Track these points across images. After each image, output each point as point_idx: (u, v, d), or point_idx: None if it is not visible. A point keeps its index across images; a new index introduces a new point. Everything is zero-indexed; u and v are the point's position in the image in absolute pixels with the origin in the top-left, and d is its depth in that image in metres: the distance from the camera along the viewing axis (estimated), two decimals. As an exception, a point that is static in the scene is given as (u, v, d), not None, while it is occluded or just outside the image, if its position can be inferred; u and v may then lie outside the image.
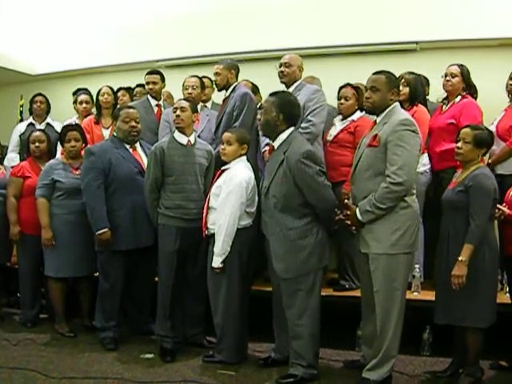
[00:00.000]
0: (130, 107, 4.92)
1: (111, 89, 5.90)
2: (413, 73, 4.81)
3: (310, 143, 4.27)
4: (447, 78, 4.78)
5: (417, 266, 4.61)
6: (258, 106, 4.77)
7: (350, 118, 4.89)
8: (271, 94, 4.04)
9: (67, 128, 5.24)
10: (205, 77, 5.59)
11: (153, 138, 5.12)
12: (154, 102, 5.51)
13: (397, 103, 3.79)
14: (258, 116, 4.04)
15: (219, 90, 5.02)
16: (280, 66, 4.74)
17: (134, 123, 4.70)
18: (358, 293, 4.20)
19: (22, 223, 5.21)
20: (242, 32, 6.32)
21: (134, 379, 4.05)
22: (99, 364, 4.35)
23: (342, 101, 4.92)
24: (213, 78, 5.02)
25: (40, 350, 4.69)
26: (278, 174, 3.88)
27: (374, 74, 3.82)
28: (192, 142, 4.51)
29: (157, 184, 4.44)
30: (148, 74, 5.56)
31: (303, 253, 3.85)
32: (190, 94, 5.13)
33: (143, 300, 4.96)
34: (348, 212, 3.82)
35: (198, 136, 4.81)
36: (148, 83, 5.51)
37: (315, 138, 4.57)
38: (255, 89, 5.54)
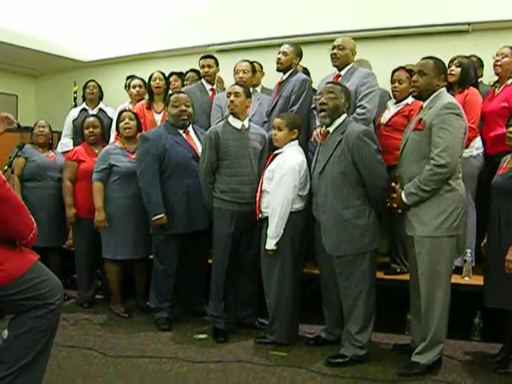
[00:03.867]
0: (180, 92, 4.98)
1: (163, 74, 5.94)
2: (467, 57, 4.77)
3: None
4: (497, 59, 4.71)
5: (468, 250, 4.58)
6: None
7: (404, 102, 4.85)
8: (333, 83, 4.15)
9: (122, 111, 5.35)
10: (255, 62, 5.61)
11: (208, 121, 5.17)
12: (208, 86, 5.51)
13: (443, 89, 3.80)
14: (323, 99, 4.01)
15: (279, 71, 4.93)
16: (333, 49, 4.70)
17: (183, 107, 4.75)
18: (408, 276, 4.20)
19: (78, 207, 5.33)
20: (292, 16, 6.30)
21: (189, 359, 4.11)
22: (154, 344, 4.44)
23: (396, 84, 4.89)
24: (278, 56, 4.89)
25: (97, 329, 4.81)
26: (335, 153, 3.94)
27: (423, 58, 3.84)
28: (246, 127, 4.54)
29: (212, 168, 4.47)
30: (202, 58, 5.57)
31: (355, 232, 3.90)
32: (241, 78, 5.11)
33: (197, 281, 5.05)
34: (394, 195, 3.86)
35: (250, 120, 4.81)
36: (203, 67, 5.51)
37: (369, 123, 4.55)
38: (306, 72, 5.51)
